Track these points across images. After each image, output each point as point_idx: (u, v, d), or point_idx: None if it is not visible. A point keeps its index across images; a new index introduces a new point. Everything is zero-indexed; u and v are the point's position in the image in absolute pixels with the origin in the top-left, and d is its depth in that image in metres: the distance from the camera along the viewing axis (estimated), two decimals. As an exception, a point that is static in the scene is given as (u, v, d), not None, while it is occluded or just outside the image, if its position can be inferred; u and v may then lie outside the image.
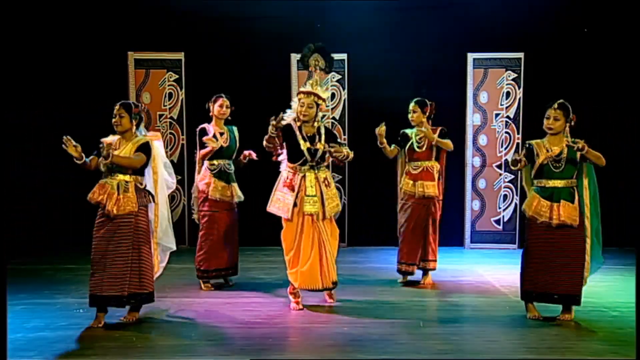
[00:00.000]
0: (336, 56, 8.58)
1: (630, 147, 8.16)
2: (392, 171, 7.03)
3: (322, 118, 5.84)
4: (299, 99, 5.66)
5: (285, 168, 5.72)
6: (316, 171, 5.61)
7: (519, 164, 5.26)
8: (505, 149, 8.63)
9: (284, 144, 5.66)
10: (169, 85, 8.67)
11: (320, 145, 5.58)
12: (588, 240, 5.26)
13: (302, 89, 5.71)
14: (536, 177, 5.30)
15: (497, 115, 8.66)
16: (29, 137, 8.63)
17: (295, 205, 5.55)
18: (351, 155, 5.65)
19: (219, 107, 6.33)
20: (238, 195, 6.41)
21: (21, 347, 4.61)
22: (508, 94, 8.64)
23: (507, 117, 8.64)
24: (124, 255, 5.07)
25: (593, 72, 8.58)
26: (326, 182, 5.65)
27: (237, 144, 6.44)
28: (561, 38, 8.66)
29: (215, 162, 6.33)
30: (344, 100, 8.71)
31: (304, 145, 5.56)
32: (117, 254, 5.06)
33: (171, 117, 8.66)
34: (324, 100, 5.68)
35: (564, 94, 8.49)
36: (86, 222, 8.80)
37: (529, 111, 8.51)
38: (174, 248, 5.58)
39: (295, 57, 8.67)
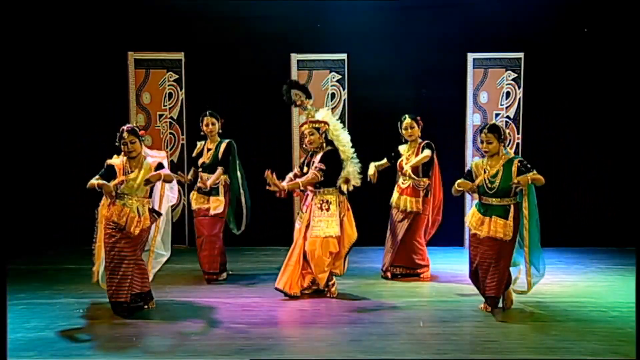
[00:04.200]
0: (336, 56, 8.68)
1: (630, 147, 8.16)
2: (392, 172, 7.04)
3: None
4: (301, 132, 6.22)
5: None
6: (314, 194, 6.05)
7: (460, 191, 5.68)
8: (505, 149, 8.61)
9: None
10: (169, 85, 8.67)
11: (307, 170, 6.04)
12: (527, 250, 5.53)
13: (301, 123, 6.20)
14: (478, 193, 5.61)
15: (497, 115, 8.65)
16: (29, 137, 8.64)
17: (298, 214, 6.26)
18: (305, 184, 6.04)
19: (205, 126, 6.73)
20: (214, 207, 6.64)
21: (21, 347, 4.61)
22: (508, 94, 8.64)
23: (507, 117, 8.64)
24: (139, 259, 5.59)
25: (593, 72, 8.57)
26: (321, 206, 6.00)
27: (219, 158, 6.66)
28: (561, 38, 8.65)
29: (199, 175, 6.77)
30: (344, 100, 8.70)
31: (299, 171, 6.20)
32: (134, 260, 5.51)
33: (171, 117, 8.66)
34: (321, 122, 6.03)
35: (564, 94, 8.62)
36: (87, 222, 8.84)
37: (529, 111, 8.51)
38: (167, 255, 6.05)
39: (295, 57, 8.67)
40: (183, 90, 8.65)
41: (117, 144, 5.57)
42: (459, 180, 5.59)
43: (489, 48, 8.61)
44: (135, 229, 5.42)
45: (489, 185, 5.49)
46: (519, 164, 5.46)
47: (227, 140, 6.72)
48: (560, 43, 8.64)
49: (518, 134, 8.59)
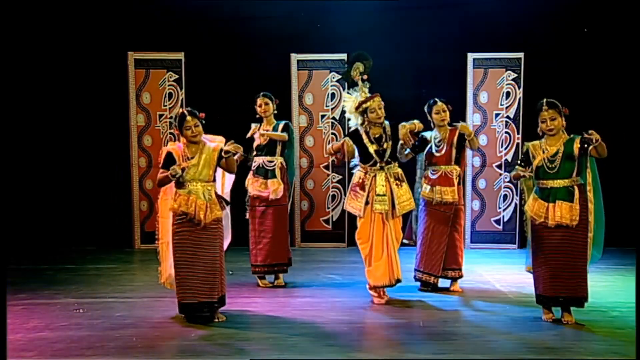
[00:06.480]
0: (336, 56, 8.69)
1: (630, 147, 8.15)
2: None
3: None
4: (369, 106, 5.86)
5: (358, 169, 5.94)
6: (386, 171, 5.83)
7: (521, 177, 5.28)
8: (505, 149, 8.63)
9: (356, 148, 5.89)
10: (169, 85, 8.67)
11: (387, 145, 5.82)
12: (590, 235, 5.22)
13: (364, 98, 5.90)
14: (536, 177, 5.23)
15: (497, 115, 8.66)
16: (29, 137, 8.64)
17: (367, 203, 5.77)
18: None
19: (258, 107, 6.47)
20: (274, 191, 6.38)
21: (21, 347, 4.61)
22: (508, 94, 8.64)
23: (507, 117, 8.64)
24: (215, 261, 5.18)
25: (593, 72, 8.57)
26: (398, 182, 5.86)
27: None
28: (561, 38, 8.65)
29: (255, 159, 6.48)
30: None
31: (371, 148, 5.79)
32: (208, 261, 5.15)
33: (171, 117, 8.66)
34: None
35: (564, 94, 8.56)
36: (86, 223, 8.85)
37: (529, 111, 8.48)
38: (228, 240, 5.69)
39: (295, 57, 8.68)
40: (183, 90, 8.66)
41: (174, 129, 5.19)
42: (517, 167, 5.26)
43: (489, 48, 8.61)
44: (204, 216, 5.04)
45: (549, 165, 5.10)
46: (581, 141, 5.02)
47: (284, 122, 6.52)
48: (560, 43, 8.64)
49: (518, 134, 8.59)
